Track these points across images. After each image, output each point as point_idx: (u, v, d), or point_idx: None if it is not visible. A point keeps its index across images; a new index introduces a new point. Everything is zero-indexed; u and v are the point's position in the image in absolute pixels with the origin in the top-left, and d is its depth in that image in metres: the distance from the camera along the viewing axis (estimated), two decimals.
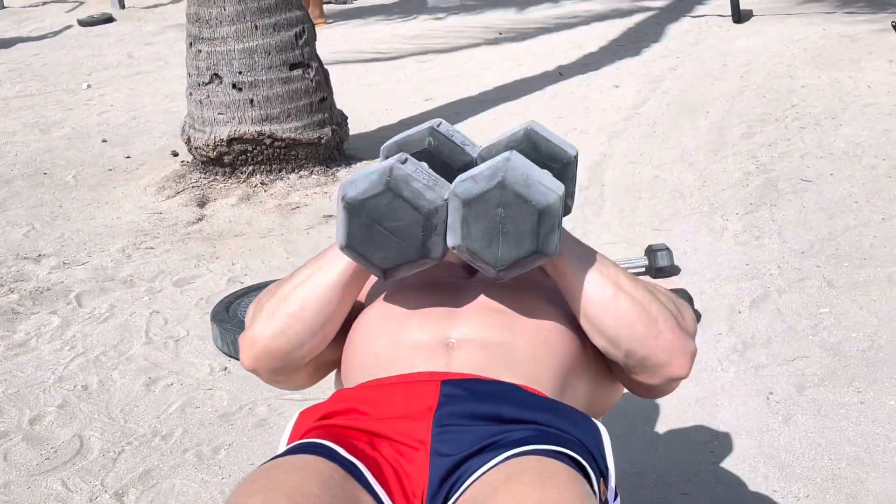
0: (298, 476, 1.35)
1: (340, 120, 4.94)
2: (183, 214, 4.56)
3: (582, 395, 1.74)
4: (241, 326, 3.27)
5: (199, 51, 4.68)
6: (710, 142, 5.13)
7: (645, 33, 7.80)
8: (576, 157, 1.78)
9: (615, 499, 1.53)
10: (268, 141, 4.65)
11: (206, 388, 3.13)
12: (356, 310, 1.83)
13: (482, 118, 5.79)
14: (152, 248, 4.25)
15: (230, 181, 4.70)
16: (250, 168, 4.71)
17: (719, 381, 3.00)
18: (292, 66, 4.70)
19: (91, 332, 3.51)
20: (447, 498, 1.42)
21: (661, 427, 2.81)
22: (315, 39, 4.90)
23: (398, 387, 1.59)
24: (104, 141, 5.78)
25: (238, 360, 3.24)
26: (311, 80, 4.76)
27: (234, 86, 4.63)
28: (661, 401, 2.91)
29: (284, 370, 1.77)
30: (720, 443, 2.72)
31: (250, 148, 4.67)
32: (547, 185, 1.58)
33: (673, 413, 2.86)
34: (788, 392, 2.91)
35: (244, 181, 4.69)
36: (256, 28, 4.61)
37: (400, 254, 1.62)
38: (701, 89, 6.13)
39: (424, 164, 1.67)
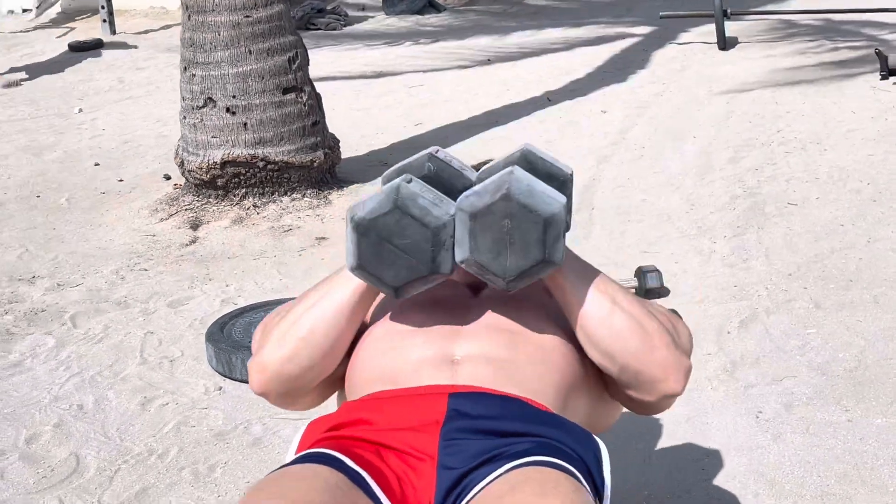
0: (306, 485, 1.39)
1: (333, 143, 4.99)
2: (176, 237, 4.60)
3: (582, 410, 1.78)
4: (235, 346, 3.30)
5: (194, 75, 4.73)
6: (697, 166, 5.20)
7: (631, 60, 7.89)
8: (571, 175, 1.84)
9: None
10: (261, 164, 4.70)
11: (202, 408, 3.15)
12: (362, 327, 1.88)
13: (472, 142, 5.84)
14: (146, 269, 4.28)
15: (223, 204, 4.74)
16: (243, 191, 4.75)
17: (709, 400, 3.04)
18: (285, 91, 4.75)
19: (86, 353, 3.53)
20: None
21: (653, 444, 2.85)
22: (308, 64, 4.96)
23: (406, 399, 1.64)
24: (97, 164, 5.81)
25: (232, 379, 3.29)
26: (304, 104, 4.81)
27: (227, 109, 4.67)
28: (652, 419, 2.95)
29: (294, 393, 1.81)
30: (711, 461, 2.76)
31: (243, 171, 4.72)
32: (550, 195, 1.64)
33: (664, 431, 2.90)
34: (777, 411, 2.96)
35: (237, 204, 4.73)
36: (250, 53, 4.66)
37: (411, 271, 1.66)
38: (687, 114, 6.20)
39: (427, 185, 1.72)
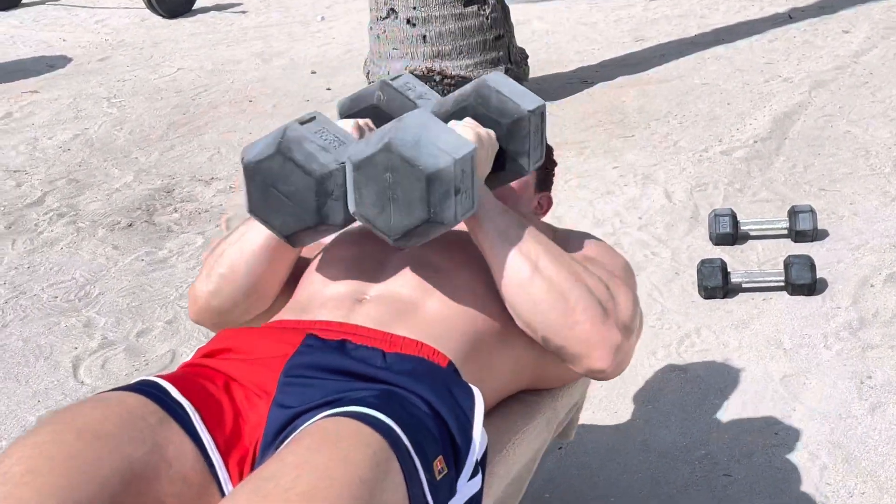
0: (101, 413, 1.34)
1: (519, 59, 4.86)
2: None
3: (501, 362, 1.65)
4: None
5: None
6: None
7: None
8: (534, 111, 1.67)
9: (472, 477, 1.43)
10: (437, 77, 4.65)
11: None
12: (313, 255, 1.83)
13: (685, 62, 5.51)
14: None
15: None
16: None
17: (816, 359, 2.75)
18: (467, 3, 4.66)
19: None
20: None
21: (734, 401, 2.62)
22: None
23: (271, 331, 1.58)
24: (313, 72, 5.98)
25: None
26: (487, 18, 4.70)
27: (408, 21, 4.64)
28: (741, 374, 2.71)
29: (227, 325, 1.79)
30: (790, 425, 2.50)
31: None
32: (441, 148, 1.47)
33: (751, 388, 2.65)
34: (889, 377, 2.63)
35: None
36: None
37: (297, 219, 1.57)
38: None
39: (336, 124, 1.62)
